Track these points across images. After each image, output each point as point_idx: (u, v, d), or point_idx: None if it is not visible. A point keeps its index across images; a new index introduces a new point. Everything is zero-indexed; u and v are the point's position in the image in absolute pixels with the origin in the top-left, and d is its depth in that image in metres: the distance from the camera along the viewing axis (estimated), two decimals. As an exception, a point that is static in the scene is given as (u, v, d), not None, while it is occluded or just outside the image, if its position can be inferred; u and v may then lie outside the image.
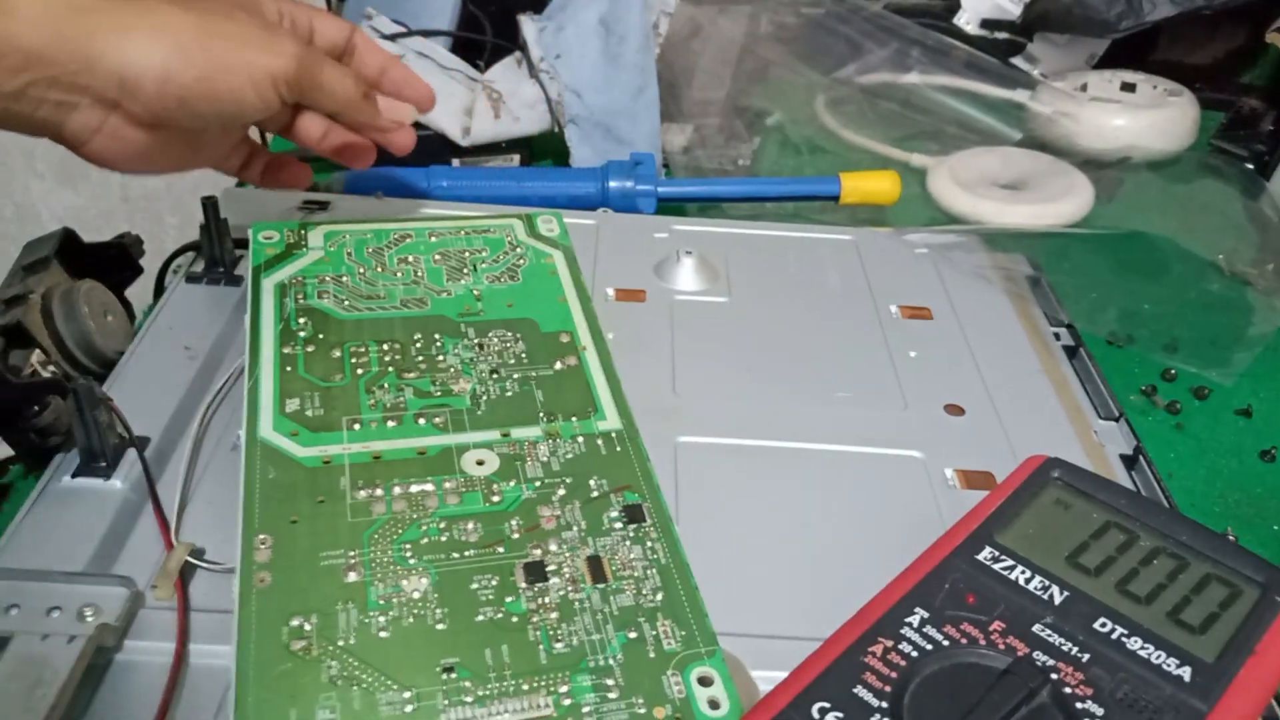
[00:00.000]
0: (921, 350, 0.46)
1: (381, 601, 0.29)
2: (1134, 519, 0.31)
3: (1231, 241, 0.58)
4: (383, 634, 0.29)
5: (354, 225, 0.45)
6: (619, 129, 0.62)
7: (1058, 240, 0.58)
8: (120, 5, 0.34)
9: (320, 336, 0.39)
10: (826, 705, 0.25)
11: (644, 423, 0.37)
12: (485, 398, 0.37)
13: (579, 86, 0.61)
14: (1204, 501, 0.44)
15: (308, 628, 0.28)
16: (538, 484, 0.34)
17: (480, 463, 0.34)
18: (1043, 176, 0.63)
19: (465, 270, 0.43)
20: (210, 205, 0.47)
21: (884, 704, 0.25)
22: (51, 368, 0.40)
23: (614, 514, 0.33)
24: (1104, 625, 0.27)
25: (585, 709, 0.27)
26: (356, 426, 0.35)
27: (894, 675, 0.26)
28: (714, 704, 0.28)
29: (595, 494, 0.34)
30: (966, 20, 0.77)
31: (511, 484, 0.34)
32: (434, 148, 0.61)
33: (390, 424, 0.35)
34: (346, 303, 0.41)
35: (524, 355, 0.39)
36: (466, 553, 0.31)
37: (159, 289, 0.50)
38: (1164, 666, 0.26)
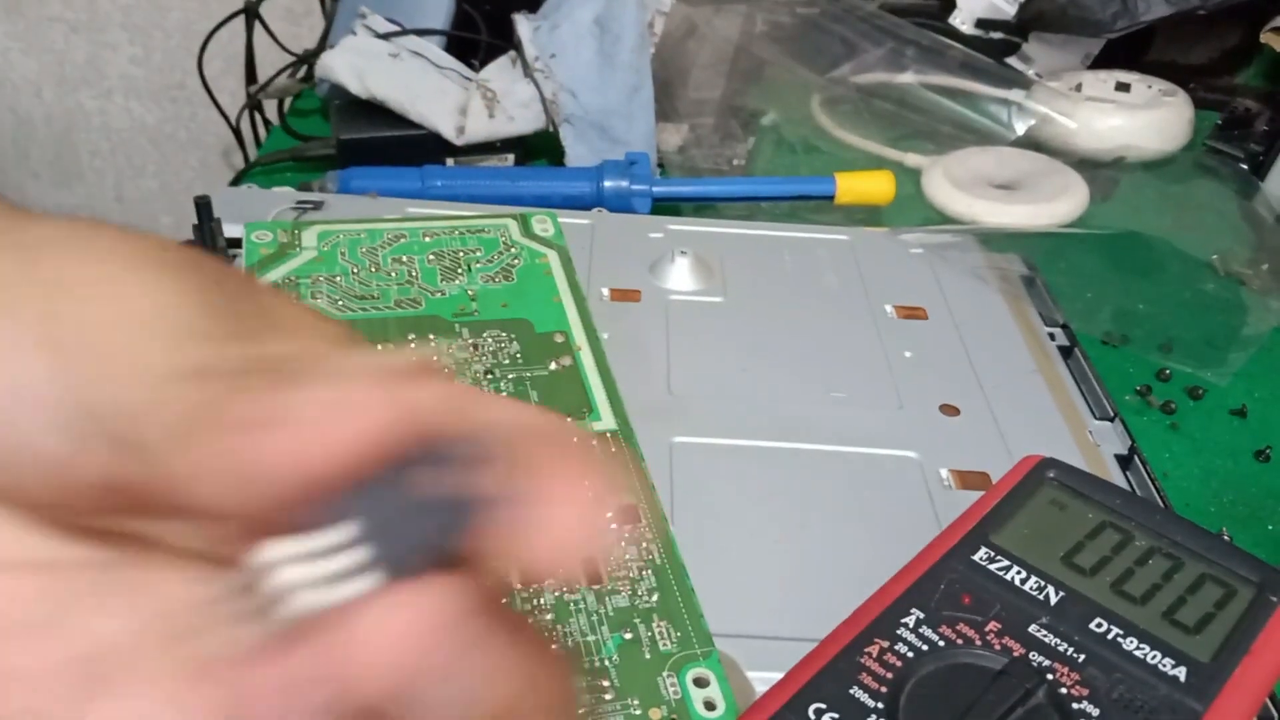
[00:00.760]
0: (917, 350, 0.46)
1: (375, 603, 0.29)
2: (1129, 519, 0.31)
3: (1227, 241, 0.58)
4: (377, 635, 0.29)
5: (348, 225, 0.45)
6: (614, 128, 0.62)
7: (1053, 240, 0.58)
8: None
9: (314, 337, 0.39)
10: (822, 706, 0.25)
11: (639, 423, 0.37)
12: (480, 398, 0.37)
13: (574, 86, 0.61)
14: (1199, 501, 0.44)
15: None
16: (533, 484, 0.34)
17: (475, 463, 0.34)
18: (1038, 176, 0.63)
19: (459, 270, 0.43)
20: (203, 205, 0.47)
21: (880, 704, 0.25)
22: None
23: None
24: (1099, 625, 0.27)
25: (580, 710, 0.27)
26: (350, 427, 0.35)
27: (890, 676, 0.26)
28: (710, 705, 0.28)
29: (590, 494, 0.34)
30: (961, 20, 0.77)
31: (506, 484, 0.34)
32: (428, 147, 0.61)
33: (384, 424, 0.35)
34: (340, 303, 0.41)
35: (518, 356, 0.39)
36: (461, 554, 0.31)
37: (153, 289, 0.49)
38: (1160, 666, 0.26)
